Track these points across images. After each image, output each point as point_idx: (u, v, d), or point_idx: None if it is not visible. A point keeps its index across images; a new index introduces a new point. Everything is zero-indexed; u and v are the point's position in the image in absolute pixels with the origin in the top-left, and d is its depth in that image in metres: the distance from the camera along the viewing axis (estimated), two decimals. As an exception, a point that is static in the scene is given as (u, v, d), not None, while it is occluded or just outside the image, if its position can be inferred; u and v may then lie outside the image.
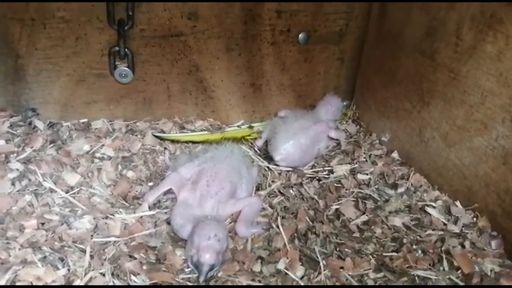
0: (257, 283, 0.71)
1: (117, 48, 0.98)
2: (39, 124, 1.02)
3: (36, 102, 1.04)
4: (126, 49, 0.98)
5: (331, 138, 1.09)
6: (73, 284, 0.67)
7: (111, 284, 0.67)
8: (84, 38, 0.98)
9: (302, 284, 0.70)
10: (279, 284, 0.71)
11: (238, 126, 1.17)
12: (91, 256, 0.72)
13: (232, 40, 1.04)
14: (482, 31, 0.74)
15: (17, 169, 0.88)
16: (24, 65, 0.99)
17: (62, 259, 0.71)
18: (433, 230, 0.82)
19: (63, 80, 1.02)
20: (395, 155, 1.04)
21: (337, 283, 0.71)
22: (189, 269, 0.73)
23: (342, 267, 0.74)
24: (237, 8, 1.01)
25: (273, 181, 0.97)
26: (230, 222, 0.84)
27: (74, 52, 0.99)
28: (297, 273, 0.73)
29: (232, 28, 1.03)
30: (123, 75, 1.01)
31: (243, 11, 1.01)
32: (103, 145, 1.01)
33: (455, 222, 0.83)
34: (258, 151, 1.08)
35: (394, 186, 0.94)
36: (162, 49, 1.02)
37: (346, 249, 0.78)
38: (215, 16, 1.00)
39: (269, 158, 1.03)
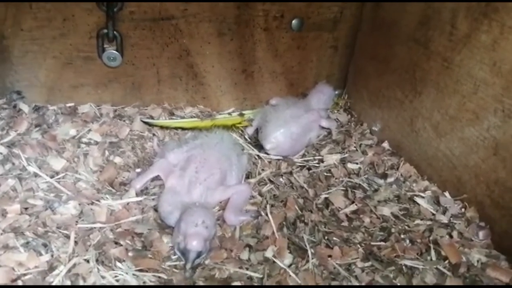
0: (244, 271, 0.70)
1: (105, 31, 0.95)
2: (24, 107, 1.00)
3: (22, 84, 1.02)
4: (115, 32, 0.96)
5: (322, 127, 1.09)
6: (56, 270, 0.66)
7: (95, 270, 0.66)
8: (72, 20, 0.95)
9: (290, 272, 0.70)
10: (267, 271, 0.70)
11: (229, 114, 1.15)
12: (76, 242, 0.71)
13: (224, 24, 1.02)
14: (477, 19, 0.73)
15: (1, 153, 0.86)
16: (9, 46, 0.96)
17: (45, 245, 0.69)
18: (421, 220, 0.82)
19: (49, 63, 1.00)
20: (385, 145, 1.04)
21: (325, 272, 0.71)
22: (176, 256, 0.72)
23: (330, 256, 0.74)
24: (230, -8, 0.99)
25: (263, 170, 0.96)
26: (219, 210, 0.84)
27: (61, 34, 0.96)
28: (285, 261, 0.72)
29: (224, 12, 1.01)
30: (112, 58, 0.99)
31: (236, -5, 0.99)
32: (90, 130, 0.99)
33: (444, 213, 0.83)
34: (249, 139, 1.07)
35: (384, 176, 0.93)
36: (152, 32, 1.00)
37: (335, 238, 0.78)
38: (207, -1, 0.98)
39: (259, 146, 1.02)
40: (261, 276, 0.70)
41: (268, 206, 0.83)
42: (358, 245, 0.77)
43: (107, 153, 0.94)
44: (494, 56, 0.72)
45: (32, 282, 0.64)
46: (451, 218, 0.81)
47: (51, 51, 0.98)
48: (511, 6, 0.67)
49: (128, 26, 0.98)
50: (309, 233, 0.79)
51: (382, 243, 0.77)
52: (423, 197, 0.87)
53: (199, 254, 0.69)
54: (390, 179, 0.93)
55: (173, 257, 0.73)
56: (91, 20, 0.96)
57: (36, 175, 0.83)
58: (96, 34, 0.97)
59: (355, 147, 1.04)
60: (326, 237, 0.78)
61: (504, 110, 0.71)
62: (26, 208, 0.76)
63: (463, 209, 0.83)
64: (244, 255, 0.74)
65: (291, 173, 0.95)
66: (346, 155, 1.01)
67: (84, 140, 0.96)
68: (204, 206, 0.77)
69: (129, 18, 0.97)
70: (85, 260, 0.68)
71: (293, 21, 1.06)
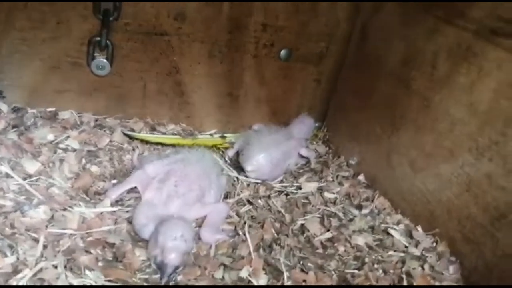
0: (217, 289, 0.69)
1: (98, 38, 0.95)
2: (3, 107, 0.97)
3: (3, 84, 0.99)
4: (107, 41, 0.96)
5: (302, 156, 1.10)
6: (22, 273, 0.62)
7: (63, 276, 0.63)
8: (66, 24, 0.95)
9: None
10: (241, 291, 0.69)
11: (211, 135, 1.16)
12: (44, 246, 0.68)
13: (215, 46, 1.05)
14: (457, 63, 0.78)
15: (-27, 150, 0.83)
16: (-3, 43, 0.95)
17: (11, 246, 0.66)
18: (394, 251, 0.83)
19: (36, 65, 0.98)
20: (361, 177, 1.05)
21: (299, 295, 0.70)
22: (148, 270, 0.70)
23: (304, 280, 0.74)
24: (225, 16, 1.01)
25: (241, 191, 0.96)
26: (195, 227, 0.82)
27: (53, 37, 0.96)
28: (260, 282, 0.71)
29: (217, 35, 1.03)
30: (100, 67, 0.99)
31: (230, 20, 1.02)
32: (68, 136, 0.97)
33: (416, 245, 0.84)
34: (228, 161, 1.07)
35: (359, 207, 0.95)
36: (144, 46, 1.01)
37: (309, 264, 0.78)
38: (202, 20, 1.01)
39: (239, 168, 1.02)
40: (234, 295, 0.68)
41: (246, 226, 0.82)
42: (332, 272, 0.77)
43: (84, 161, 0.92)
44: (471, 97, 0.76)
45: (-6, 283, 0.60)
46: (423, 251, 0.82)
47: (39, 53, 0.97)
48: (488, 52, 0.73)
49: (121, 37, 0.99)
50: (285, 256, 0.78)
51: (356, 271, 0.77)
52: (396, 230, 0.88)
53: (176, 268, 0.67)
54: (365, 211, 0.94)
55: (147, 270, 0.70)
56: (85, 26, 0.96)
57: (8, 175, 0.80)
58: (87, 41, 0.97)
59: (332, 177, 1.06)
60: (301, 262, 0.78)
61: (478, 148, 0.75)
62: (-6, 208, 0.72)
63: (434, 244, 0.84)
64: (219, 274, 0.72)
65: (269, 197, 0.95)
66: (324, 184, 1.02)
67: (61, 146, 0.94)
68: (183, 219, 0.75)
69: (123, 29, 0.98)
70: (53, 265, 0.65)
71: (282, 51, 1.10)
